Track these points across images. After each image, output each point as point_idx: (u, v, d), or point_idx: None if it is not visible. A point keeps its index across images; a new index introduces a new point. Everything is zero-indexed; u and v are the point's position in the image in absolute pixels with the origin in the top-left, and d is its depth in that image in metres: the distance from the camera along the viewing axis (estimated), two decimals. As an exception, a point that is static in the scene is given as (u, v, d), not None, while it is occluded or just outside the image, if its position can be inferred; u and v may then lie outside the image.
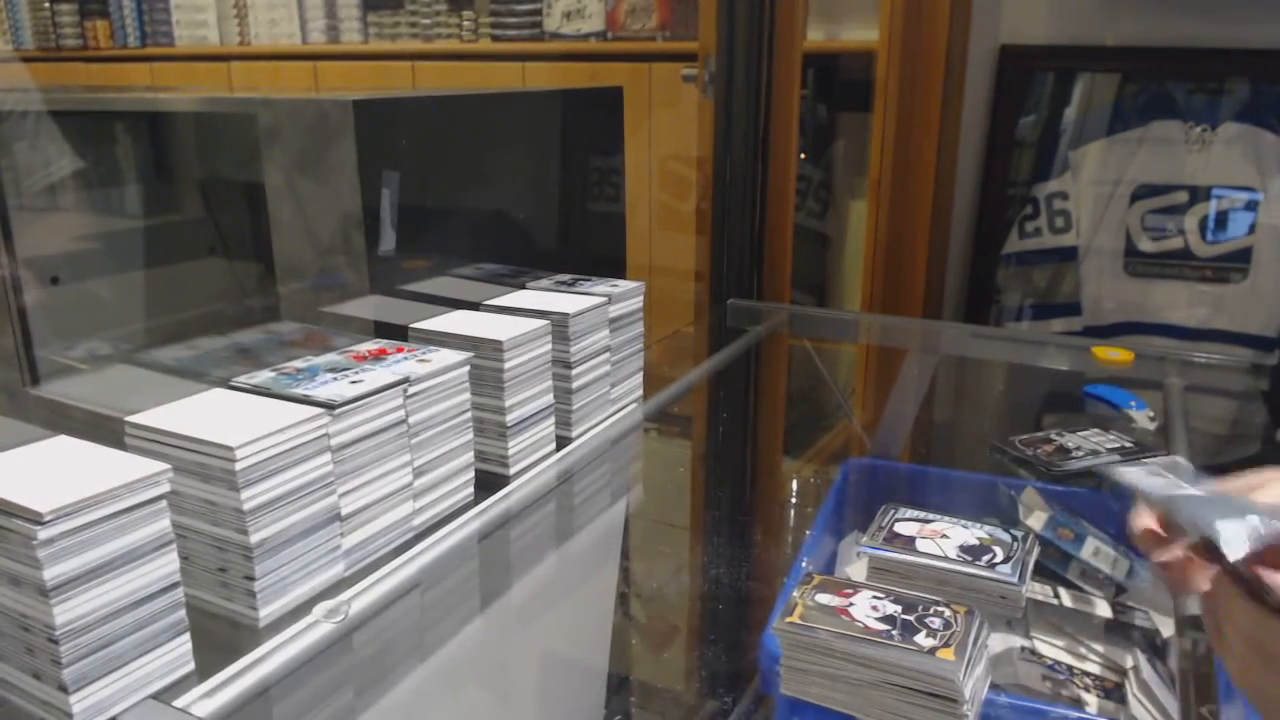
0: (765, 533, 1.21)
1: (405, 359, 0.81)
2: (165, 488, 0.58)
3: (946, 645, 0.62)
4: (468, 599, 0.82)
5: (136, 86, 3.09)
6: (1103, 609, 0.91)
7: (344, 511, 0.72)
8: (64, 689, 0.54)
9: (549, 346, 0.94)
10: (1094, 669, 0.85)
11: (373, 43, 3.06)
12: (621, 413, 1.08)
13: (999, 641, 0.83)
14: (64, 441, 0.62)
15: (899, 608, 0.67)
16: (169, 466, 0.58)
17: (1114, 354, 1.38)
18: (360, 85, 3.03)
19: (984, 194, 1.77)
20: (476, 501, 0.87)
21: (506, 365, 0.88)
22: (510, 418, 0.90)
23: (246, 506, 0.64)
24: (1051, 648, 0.87)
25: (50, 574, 0.52)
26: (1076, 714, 0.73)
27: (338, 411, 0.70)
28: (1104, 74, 1.67)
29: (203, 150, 1.11)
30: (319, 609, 0.69)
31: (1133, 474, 0.61)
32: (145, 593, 0.57)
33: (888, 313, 1.75)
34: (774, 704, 0.71)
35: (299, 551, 0.69)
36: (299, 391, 0.72)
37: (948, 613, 0.66)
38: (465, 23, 2.86)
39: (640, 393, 1.13)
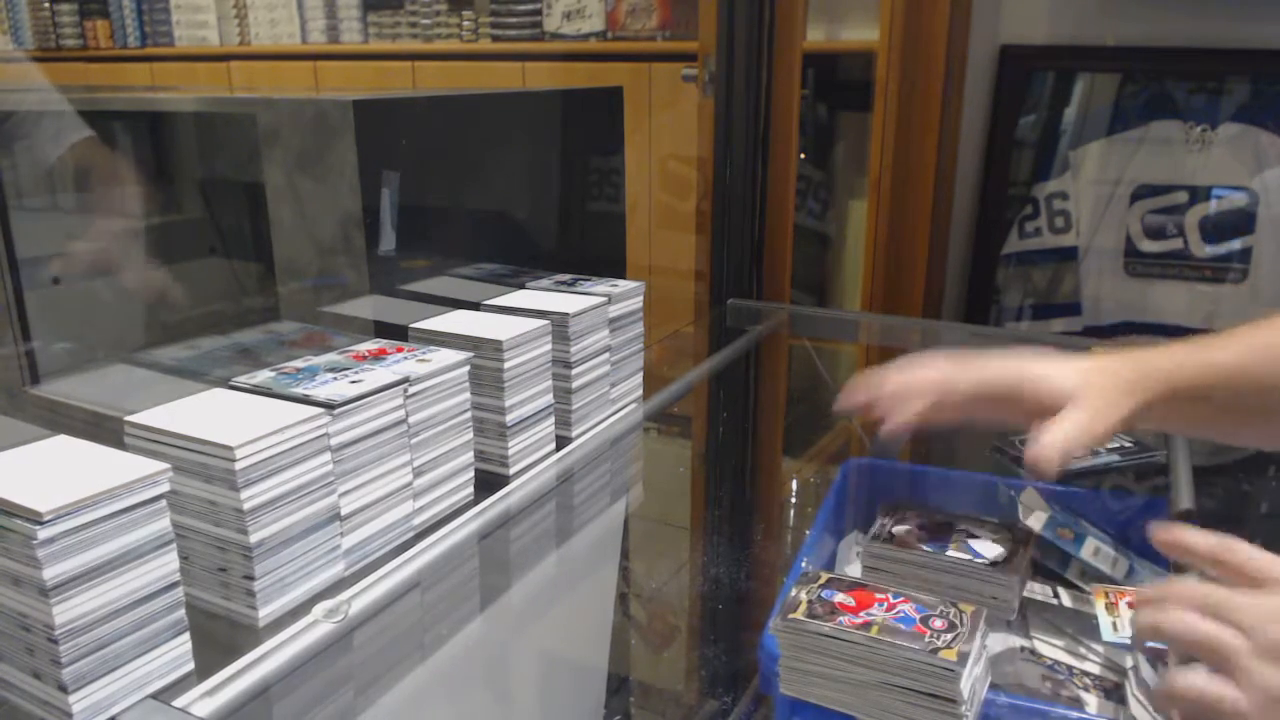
0: (765, 533, 1.21)
1: (405, 359, 0.81)
2: (165, 487, 0.58)
3: (947, 646, 0.62)
4: (467, 599, 0.82)
5: (136, 86, 3.09)
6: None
7: (344, 511, 0.73)
8: (63, 689, 0.54)
9: (549, 346, 0.94)
10: (1094, 669, 0.85)
11: (373, 43, 3.07)
12: (621, 413, 1.08)
13: (999, 641, 0.83)
14: (64, 441, 0.62)
15: (899, 608, 0.67)
16: (169, 466, 0.58)
17: (1114, 354, 1.38)
18: (360, 85, 3.03)
19: (984, 194, 1.77)
20: (476, 501, 0.87)
21: (506, 365, 0.88)
22: (510, 418, 0.90)
23: (246, 506, 0.64)
24: (1051, 648, 0.87)
25: (50, 574, 0.52)
26: (1076, 714, 0.73)
27: (338, 411, 0.70)
28: (1104, 74, 1.67)
29: (203, 150, 1.11)
30: (319, 609, 0.69)
31: None
32: (145, 592, 0.58)
33: (888, 313, 1.75)
34: (773, 704, 0.71)
35: (299, 551, 0.69)
36: (299, 391, 0.72)
37: (949, 613, 0.66)
38: (465, 23, 2.87)
39: (640, 393, 1.13)
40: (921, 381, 0.75)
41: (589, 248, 1.27)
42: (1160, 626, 0.53)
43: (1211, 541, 0.57)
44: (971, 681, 0.62)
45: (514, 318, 0.94)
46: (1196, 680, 0.50)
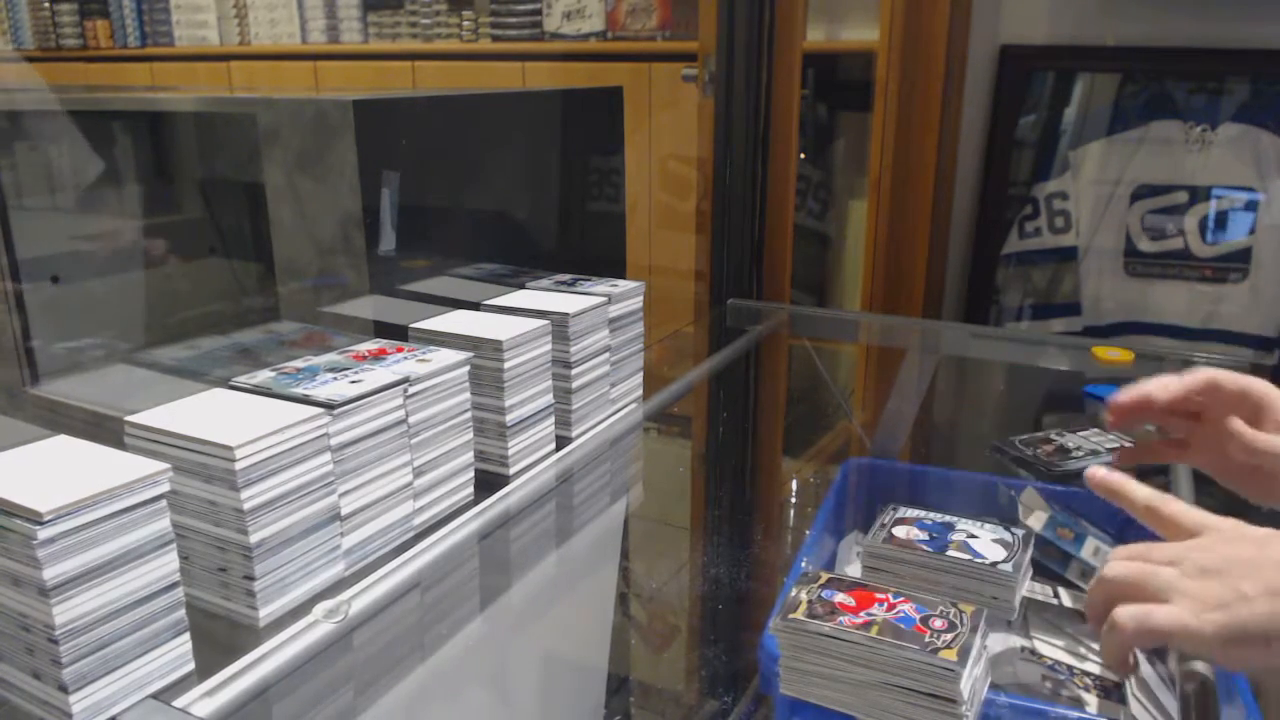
0: (765, 533, 1.21)
1: (405, 359, 0.81)
2: (165, 487, 0.58)
3: (947, 646, 0.62)
4: (467, 599, 0.82)
5: (136, 86, 3.09)
6: (1103, 609, 0.91)
7: (344, 511, 0.72)
8: (64, 689, 0.54)
9: (549, 346, 0.94)
10: (1094, 669, 0.85)
11: (373, 43, 3.07)
12: (621, 412, 1.08)
13: (999, 641, 0.83)
14: (64, 441, 0.62)
15: (899, 608, 0.67)
16: (169, 466, 0.58)
17: (1114, 354, 1.38)
18: (360, 85, 3.03)
19: (984, 194, 1.77)
20: (476, 501, 0.87)
21: (506, 365, 0.88)
22: (510, 418, 0.90)
23: (246, 506, 0.64)
24: (1051, 648, 0.87)
25: (50, 574, 0.52)
26: (1076, 714, 0.73)
27: (338, 411, 0.70)
28: (1104, 74, 1.67)
29: (203, 150, 1.11)
30: (319, 609, 0.69)
31: None
32: (145, 592, 0.58)
33: (888, 313, 1.75)
34: (773, 704, 0.71)
35: (299, 551, 0.69)
36: (299, 391, 0.72)
37: (949, 613, 0.66)
38: (465, 23, 2.86)
39: (640, 393, 1.12)
40: (1194, 374, 0.75)
41: (589, 248, 1.27)
42: (1103, 577, 0.56)
43: (1148, 493, 0.61)
44: (971, 681, 0.62)
45: (514, 318, 0.94)
46: (1132, 608, 0.53)
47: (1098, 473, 0.63)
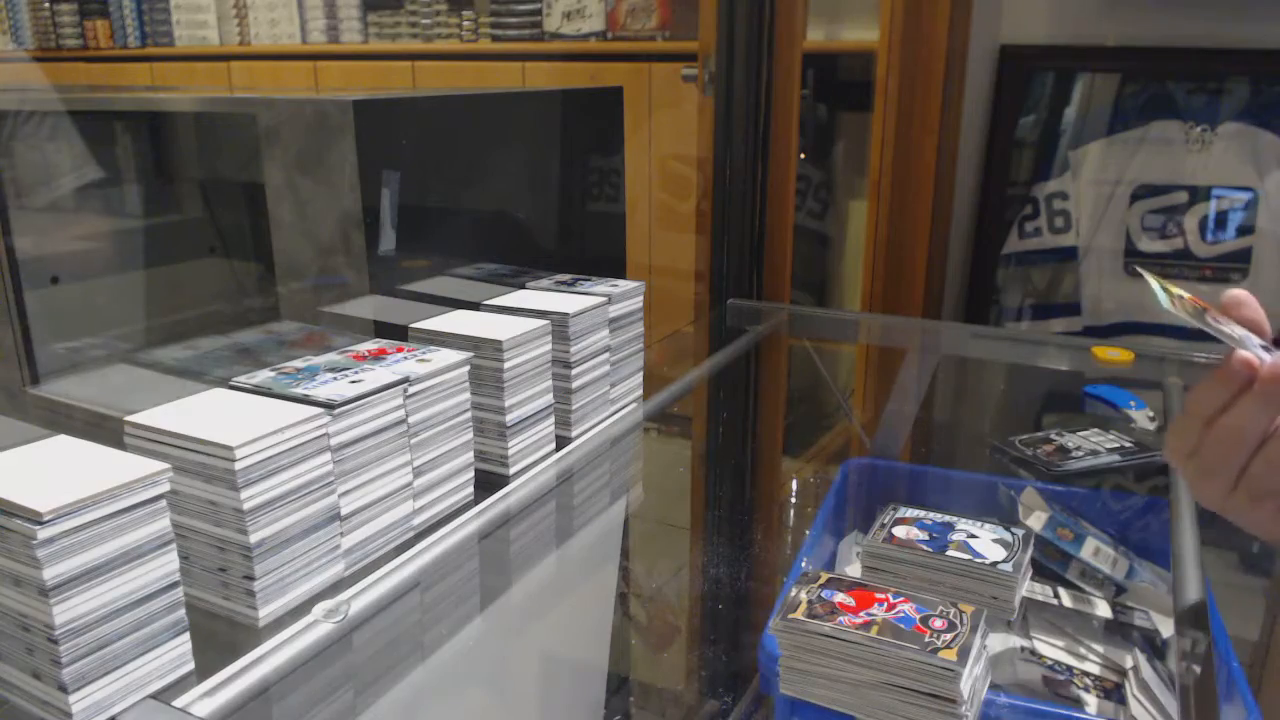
0: (765, 533, 1.21)
1: (405, 359, 0.81)
2: (165, 487, 0.58)
3: (947, 646, 0.62)
4: (467, 599, 0.82)
5: (136, 86, 3.09)
6: (1102, 609, 0.91)
7: (344, 511, 0.73)
8: (63, 689, 0.54)
9: (549, 346, 0.94)
10: (1094, 669, 0.85)
11: (373, 43, 3.07)
12: (621, 413, 1.08)
13: (999, 641, 0.83)
14: (64, 441, 0.62)
15: (899, 607, 0.67)
16: (169, 466, 0.58)
17: (1114, 354, 1.38)
18: (360, 85, 3.03)
19: (984, 194, 1.77)
20: (476, 501, 0.87)
21: (506, 365, 0.88)
22: (510, 417, 0.90)
23: (246, 506, 0.64)
24: (1051, 648, 0.87)
25: (50, 574, 0.52)
26: (1076, 714, 0.73)
27: (338, 411, 0.70)
28: (1104, 74, 1.67)
29: (203, 150, 1.11)
30: (318, 609, 0.69)
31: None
32: (145, 592, 0.58)
33: (888, 313, 1.75)
34: (773, 704, 0.71)
35: (299, 551, 0.69)
36: (299, 391, 0.72)
37: (949, 613, 0.66)
38: (465, 23, 2.87)
39: (640, 393, 1.13)
40: None
41: (589, 248, 1.27)
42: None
43: None
44: (971, 681, 0.62)
45: (514, 318, 0.94)
46: None
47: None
